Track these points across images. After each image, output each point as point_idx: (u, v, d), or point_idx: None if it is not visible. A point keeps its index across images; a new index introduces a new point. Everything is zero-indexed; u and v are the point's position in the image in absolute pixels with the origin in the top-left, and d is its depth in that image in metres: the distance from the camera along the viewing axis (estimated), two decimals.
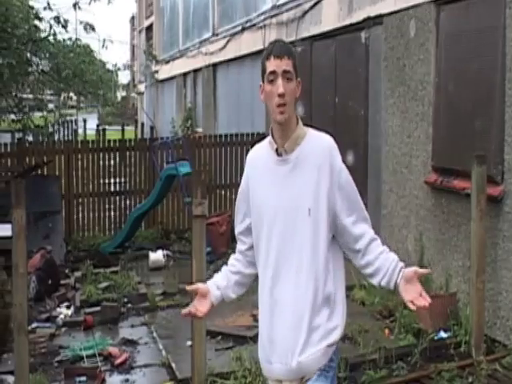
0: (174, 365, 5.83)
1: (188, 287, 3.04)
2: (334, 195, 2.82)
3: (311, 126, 2.95)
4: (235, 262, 3.07)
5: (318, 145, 2.85)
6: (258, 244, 2.93)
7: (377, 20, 8.10)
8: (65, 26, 11.72)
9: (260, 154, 2.96)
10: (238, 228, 3.04)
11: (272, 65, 2.79)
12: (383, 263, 2.84)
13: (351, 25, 8.74)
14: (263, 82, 2.86)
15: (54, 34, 12.07)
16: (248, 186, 2.96)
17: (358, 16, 8.52)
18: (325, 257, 2.82)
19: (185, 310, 2.99)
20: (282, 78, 2.78)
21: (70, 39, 12.66)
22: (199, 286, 3.02)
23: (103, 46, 12.95)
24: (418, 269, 2.81)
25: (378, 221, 8.13)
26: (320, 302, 2.81)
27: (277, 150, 2.85)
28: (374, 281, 2.88)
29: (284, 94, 2.76)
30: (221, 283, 3.02)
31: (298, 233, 2.81)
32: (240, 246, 3.06)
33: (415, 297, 2.72)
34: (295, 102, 2.88)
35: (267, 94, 2.83)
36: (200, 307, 2.97)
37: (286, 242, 2.83)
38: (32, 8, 12.69)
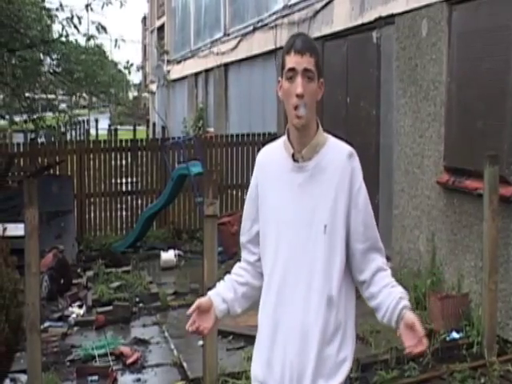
0: (185, 364, 5.84)
1: (189, 311, 2.62)
2: (350, 215, 2.55)
3: (331, 134, 2.71)
4: (243, 271, 2.75)
5: (339, 156, 2.58)
6: (263, 254, 2.66)
7: (388, 20, 8.08)
8: (77, 27, 11.76)
9: (272, 157, 2.67)
10: (246, 236, 2.74)
11: (292, 61, 2.50)
12: (385, 299, 2.55)
13: (363, 25, 8.72)
14: (282, 77, 2.58)
15: (67, 36, 12.12)
16: (257, 191, 2.67)
17: (369, 16, 8.50)
18: (338, 280, 2.54)
19: (191, 328, 2.60)
20: (302, 76, 2.49)
21: (84, 35, 12.67)
22: (201, 302, 2.64)
23: (115, 45, 12.99)
24: (416, 323, 2.46)
25: (389, 221, 8.11)
26: (331, 331, 2.55)
27: (293, 155, 2.57)
28: (378, 316, 2.62)
29: (303, 95, 2.48)
30: (227, 295, 2.69)
31: (310, 250, 2.53)
32: (248, 256, 2.75)
33: (413, 344, 2.44)
34: (316, 105, 2.59)
35: (285, 92, 2.56)
36: (204, 323, 2.62)
37: (295, 259, 2.55)
38: (45, 9, 12.75)
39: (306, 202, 2.54)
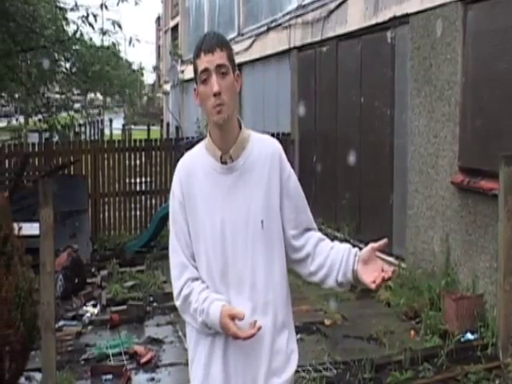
0: None
1: (244, 333, 2.39)
2: (283, 204, 2.55)
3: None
4: (207, 290, 2.52)
5: (265, 149, 2.55)
6: (198, 260, 2.52)
7: (403, 19, 8.05)
8: (92, 25, 11.81)
9: (195, 164, 2.55)
10: (186, 253, 2.53)
11: (203, 62, 2.41)
12: (335, 257, 2.52)
13: (377, 24, 8.70)
14: (197, 83, 2.47)
15: (81, 35, 12.18)
16: (183, 203, 2.53)
17: (383, 15, 8.48)
18: (280, 274, 2.54)
19: (252, 331, 2.38)
20: (216, 74, 2.40)
21: (100, 32, 12.72)
22: (238, 312, 2.41)
23: (130, 43, 13.00)
24: (373, 244, 2.47)
25: (403, 221, 8.09)
26: (279, 325, 2.54)
27: (221, 157, 2.50)
28: (330, 281, 2.55)
29: (220, 93, 2.39)
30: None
31: (250, 249, 2.48)
32: (196, 273, 2.54)
33: (376, 275, 2.38)
34: (236, 101, 2.52)
35: (202, 97, 2.45)
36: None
37: (235, 261, 2.48)
38: (60, 8, 12.82)
39: (239, 202, 2.50)
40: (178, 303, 2.59)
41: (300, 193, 2.62)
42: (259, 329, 2.37)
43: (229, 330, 2.39)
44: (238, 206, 2.49)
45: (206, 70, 2.41)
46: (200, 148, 2.59)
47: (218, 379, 2.51)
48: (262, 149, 2.55)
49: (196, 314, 2.50)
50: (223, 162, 2.51)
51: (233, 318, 2.38)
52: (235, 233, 2.49)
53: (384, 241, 2.50)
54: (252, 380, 2.51)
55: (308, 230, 2.63)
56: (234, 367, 2.50)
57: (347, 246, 2.56)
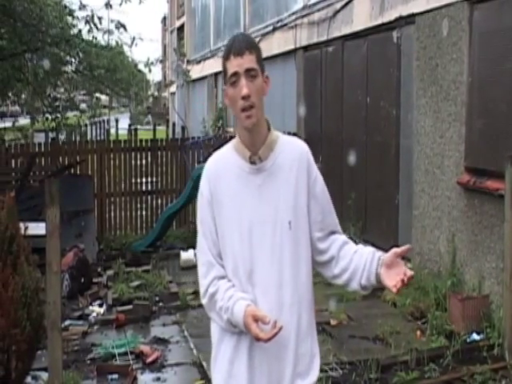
0: (205, 364, 5.84)
1: (265, 335, 2.38)
2: (310, 206, 2.58)
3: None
4: (233, 288, 2.54)
5: (294, 151, 2.60)
6: (225, 260, 2.56)
7: (409, 19, 8.04)
8: (97, 26, 11.83)
9: (224, 164, 2.60)
10: (213, 252, 2.57)
11: (233, 65, 2.47)
12: (359, 261, 2.55)
13: (383, 24, 8.69)
14: (225, 84, 2.53)
15: (89, 31, 12.19)
16: (212, 203, 2.56)
17: (389, 15, 8.47)
18: (306, 275, 2.57)
19: (275, 330, 2.38)
20: (246, 77, 2.46)
21: (105, 32, 12.75)
22: (262, 314, 2.42)
23: (132, 42, 12.98)
24: (396, 249, 2.51)
25: (409, 221, 8.08)
26: (305, 328, 2.57)
27: (250, 157, 2.54)
28: (354, 284, 2.57)
29: (249, 96, 2.45)
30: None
31: (278, 249, 2.51)
32: (222, 272, 2.57)
33: (397, 279, 2.42)
34: (263, 103, 2.58)
35: (230, 98, 2.51)
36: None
37: (262, 261, 2.51)
38: (66, 7, 12.85)
39: (267, 203, 2.53)
40: (204, 301, 2.61)
41: (326, 195, 2.66)
42: (281, 328, 2.37)
43: (251, 330, 2.41)
44: (266, 206, 2.52)
45: (235, 74, 2.46)
46: (228, 148, 2.63)
47: (243, 377, 2.53)
48: (291, 151, 2.59)
49: (221, 311, 2.52)
50: (252, 163, 2.55)
51: (256, 319, 2.39)
52: (263, 233, 2.51)
53: (407, 246, 2.53)
54: (277, 381, 2.54)
55: (333, 232, 2.67)
56: (259, 367, 2.52)
57: (371, 249, 2.59)
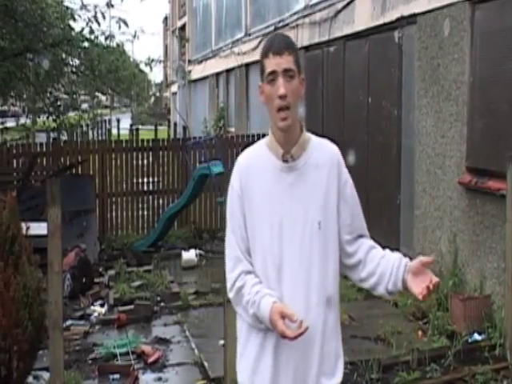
0: (206, 364, 5.85)
1: (293, 334, 2.38)
2: (340, 208, 2.60)
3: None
4: (260, 284, 2.55)
5: (325, 152, 2.62)
6: (254, 257, 2.55)
7: (410, 19, 8.04)
8: (99, 22, 11.82)
9: (256, 161, 2.61)
10: (241, 247, 2.57)
11: (271, 63, 2.49)
12: (386, 267, 2.57)
13: (384, 24, 8.69)
14: (262, 81, 2.57)
15: (91, 31, 12.18)
16: (242, 197, 2.57)
17: (391, 15, 8.47)
18: (334, 276, 2.59)
19: (300, 330, 2.37)
20: (283, 77, 2.48)
21: (106, 37, 12.75)
22: (290, 312, 2.40)
23: (134, 36, 12.95)
24: (422, 258, 2.55)
25: (410, 221, 8.08)
26: (330, 328, 2.58)
27: (283, 155, 2.56)
28: (381, 289, 2.59)
29: (286, 95, 2.47)
30: None
31: (307, 249, 2.52)
32: (250, 267, 2.58)
33: (423, 287, 2.47)
34: (298, 104, 2.60)
35: (267, 96, 2.54)
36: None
37: (291, 259, 2.51)
38: (67, 8, 12.84)
39: (298, 201, 2.53)
40: (231, 295, 2.61)
41: (356, 199, 2.68)
42: (306, 329, 2.37)
43: (277, 327, 2.39)
44: (296, 205, 2.53)
45: (273, 72, 2.48)
46: (260, 145, 2.65)
47: (268, 375, 2.54)
48: (322, 152, 2.61)
49: (248, 305, 2.51)
50: (284, 161, 2.56)
51: (283, 317, 2.39)
52: (293, 231, 2.52)
53: (431, 258, 2.56)
54: (302, 380, 2.54)
55: (361, 236, 2.68)
56: (284, 365, 2.53)
57: (398, 255, 2.61)
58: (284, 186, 2.55)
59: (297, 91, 2.52)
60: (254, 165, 2.61)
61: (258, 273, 2.55)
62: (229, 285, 2.60)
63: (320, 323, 2.53)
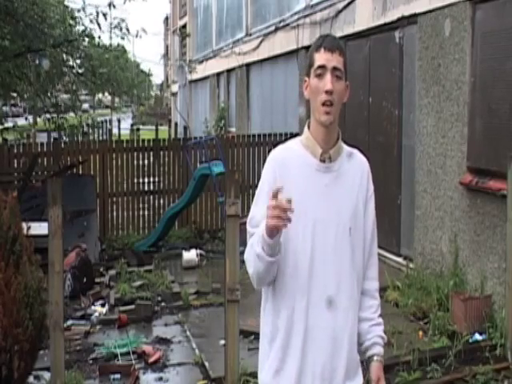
0: (207, 364, 5.85)
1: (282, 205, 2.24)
2: (364, 219, 2.58)
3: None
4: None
5: (358, 162, 2.61)
6: (285, 253, 2.46)
7: (411, 19, 8.04)
8: (99, 25, 11.84)
9: (292, 156, 2.54)
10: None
11: (322, 58, 2.45)
12: (364, 333, 2.62)
13: (385, 24, 8.69)
14: (308, 76, 2.50)
15: (90, 36, 12.21)
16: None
17: (392, 15, 8.47)
18: (358, 284, 2.56)
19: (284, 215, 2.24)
20: (332, 74, 2.45)
21: (110, 38, 12.82)
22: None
23: (137, 35, 12.98)
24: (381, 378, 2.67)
25: (411, 222, 8.08)
26: (355, 334, 2.58)
27: (321, 154, 2.51)
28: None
29: (332, 91, 2.43)
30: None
31: (338, 251, 2.49)
32: None
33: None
34: (340, 107, 2.53)
35: (313, 90, 2.48)
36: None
37: (324, 258, 2.47)
38: (67, 7, 12.87)
39: (332, 203, 2.49)
40: (245, 256, 2.49)
41: (374, 218, 2.62)
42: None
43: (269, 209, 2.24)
44: (330, 207, 2.49)
45: (322, 67, 2.45)
46: (295, 142, 2.59)
47: (293, 376, 2.50)
48: (355, 161, 2.60)
49: (257, 247, 2.38)
50: (321, 160, 2.51)
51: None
52: (325, 232, 2.47)
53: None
54: (329, 381, 2.51)
55: (373, 256, 2.64)
56: (311, 367, 2.49)
57: (375, 336, 2.63)
58: (320, 187, 2.50)
59: (342, 93, 2.50)
60: (290, 159, 2.53)
61: (289, 273, 2.47)
62: (246, 251, 2.50)
63: (348, 327, 2.51)
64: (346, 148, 2.61)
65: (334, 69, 2.45)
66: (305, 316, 2.46)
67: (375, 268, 2.65)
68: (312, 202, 2.48)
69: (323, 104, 2.44)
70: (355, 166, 2.58)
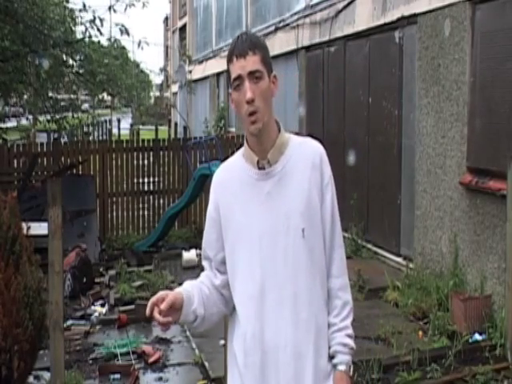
0: (207, 364, 5.85)
1: (159, 304, 2.21)
2: (322, 212, 2.40)
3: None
4: (213, 295, 2.43)
5: (306, 152, 2.42)
6: (234, 278, 2.39)
7: (411, 19, 8.04)
8: (99, 30, 11.86)
9: (232, 173, 2.44)
10: (215, 262, 2.46)
11: (235, 68, 2.31)
12: (329, 337, 2.43)
13: (385, 24, 8.69)
14: (231, 89, 2.37)
15: (90, 37, 12.23)
16: (219, 214, 2.43)
17: (391, 15, 8.47)
18: (321, 287, 2.38)
19: (162, 319, 2.20)
20: (249, 79, 2.30)
21: (108, 39, 12.84)
22: (175, 298, 2.25)
23: (139, 46, 13.06)
24: None
25: (411, 222, 8.08)
26: (322, 344, 2.39)
27: (257, 162, 2.38)
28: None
29: (253, 100, 2.29)
30: (199, 311, 2.37)
31: (291, 259, 2.32)
32: (214, 279, 2.45)
33: None
34: (272, 104, 2.40)
35: (235, 104, 2.37)
36: (172, 317, 2.25)
37: (275, 272, 2.32)
38: (67, 8, 12.88)
39: (278, 209, 2.35)
40: None
41: (336, 206, 2.46)
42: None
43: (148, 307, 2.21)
44: (277, 214, 2.35)
45: (238, 77, 2.31)
46: (237, 156, 2.49)
47: None
48: (303, 152, 2.42)
49: None
50: (260, 168, 2.38)
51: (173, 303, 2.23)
52: (274, 244, 2.34)
53: None
54: None
55: (337, 248, 2.45)
56: None
57: (339, 342, 2.45)
58: (261, 196, 2.36)
59: (267, 92, 2.35)
60: (228, 178, 2.44)
61: (241, 298, 2.38)
62: None
63: (311, 339, 2.35)
64: (293, 141, 2.45)
65: (251, 73, 2.30)
66: (260, 340, 2.34)
67: (339, 263, 2.45)
68: (256, 215, 2.36)
69: (249, 115, 2.33)
70: (304, 157, 2.40)
